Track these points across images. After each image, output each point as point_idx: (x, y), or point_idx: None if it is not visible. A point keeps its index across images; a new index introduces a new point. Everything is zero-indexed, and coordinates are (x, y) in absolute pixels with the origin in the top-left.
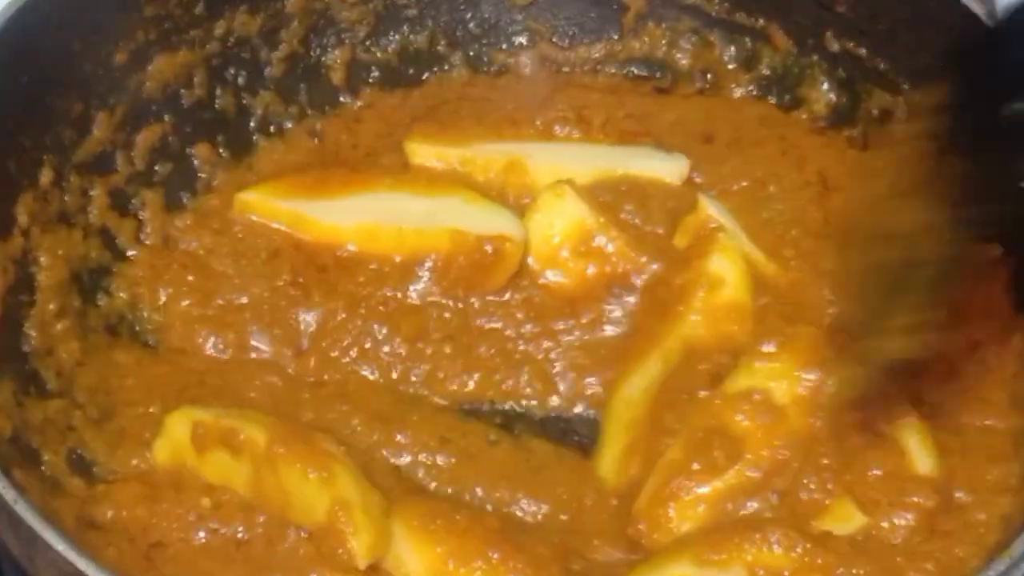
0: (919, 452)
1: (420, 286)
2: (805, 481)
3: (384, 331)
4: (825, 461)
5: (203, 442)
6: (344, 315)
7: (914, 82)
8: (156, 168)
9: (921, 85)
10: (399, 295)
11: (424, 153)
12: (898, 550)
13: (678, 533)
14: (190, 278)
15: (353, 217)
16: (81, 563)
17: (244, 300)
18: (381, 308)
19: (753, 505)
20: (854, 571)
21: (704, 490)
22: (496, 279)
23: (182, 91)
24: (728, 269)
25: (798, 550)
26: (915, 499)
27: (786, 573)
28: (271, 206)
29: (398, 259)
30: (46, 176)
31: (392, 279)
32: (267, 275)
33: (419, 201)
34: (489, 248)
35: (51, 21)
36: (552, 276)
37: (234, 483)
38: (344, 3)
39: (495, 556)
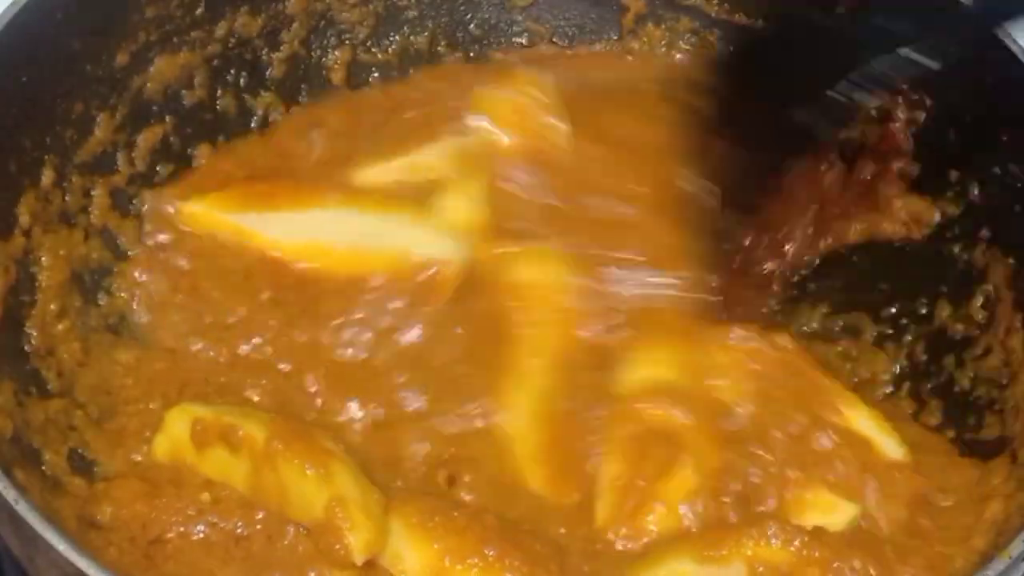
0: (882, 439)
1: (371, 308)
2: (758, 481)
3: (363, 356)
4: (770, 457)
5: (202, 439)
6: (328, 341)
7: (913, 83)
8: (157, 169)
9: (920, 85)
10: (369, 317)
11: (366, 174)
12: (889, 542)
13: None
14: (179, 298)
15: (296, 233)
16: (82, 563)
17: (232, 320)
18: (362, 338)
19: (722, 511)
20: (853, 564)
21: (661, 504)
22: (435, 300)
23: (183, 92)
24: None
25: (796, 543)
26: (898, 483)
27: (785, 568)
28: (215, 218)
29: (344, 278)
30: (47, 176)
31: (357, 302)
32: (249, 293)
33: (365, 219)
34: (426, 274)
35: (51, 21)
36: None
37: (233, 480)
38: (345, 4)
39: (492, 553)
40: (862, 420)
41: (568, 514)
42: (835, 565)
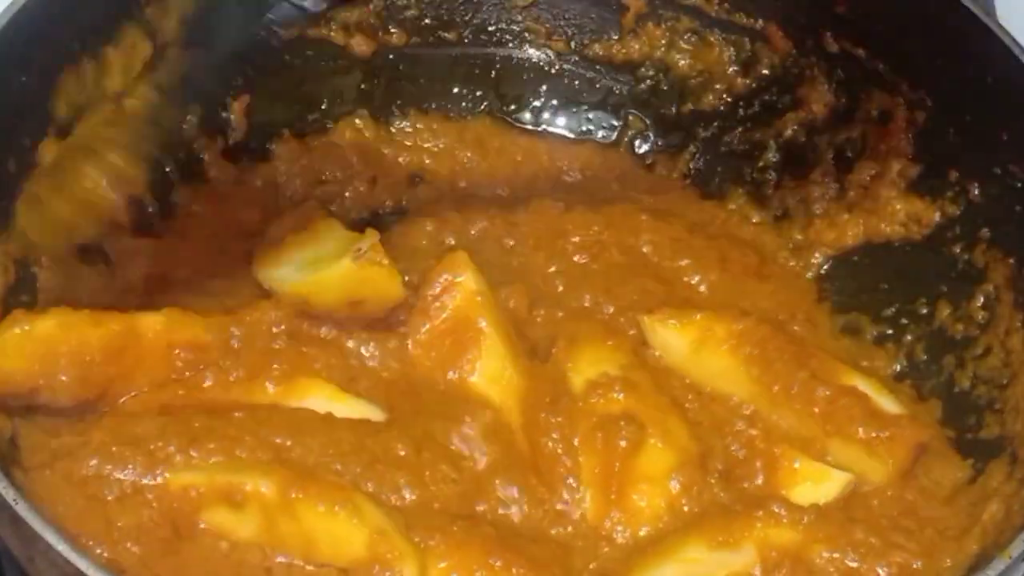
0: (880, 398)
1: None
2: (739, 456)
3: None
4: (754, 431)
5: (197, 504)
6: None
7: (913, 82)
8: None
9: (920, 85)
10: None
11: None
12: (885, 516)
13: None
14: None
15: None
16: (81, 563)
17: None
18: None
19: (710, 491)
20: (856, 536)
21: (645, 482)
22: None
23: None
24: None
25: (804, 520)
26: (903, 431)
27: (793, 548)
28: None
29: None
30: None
31: None
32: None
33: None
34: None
35: (51, 21)
36: None
37: (240, 534)
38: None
39: (497, 564)
40: (858, 380)
41: (562, 514)
42: (840, 540)
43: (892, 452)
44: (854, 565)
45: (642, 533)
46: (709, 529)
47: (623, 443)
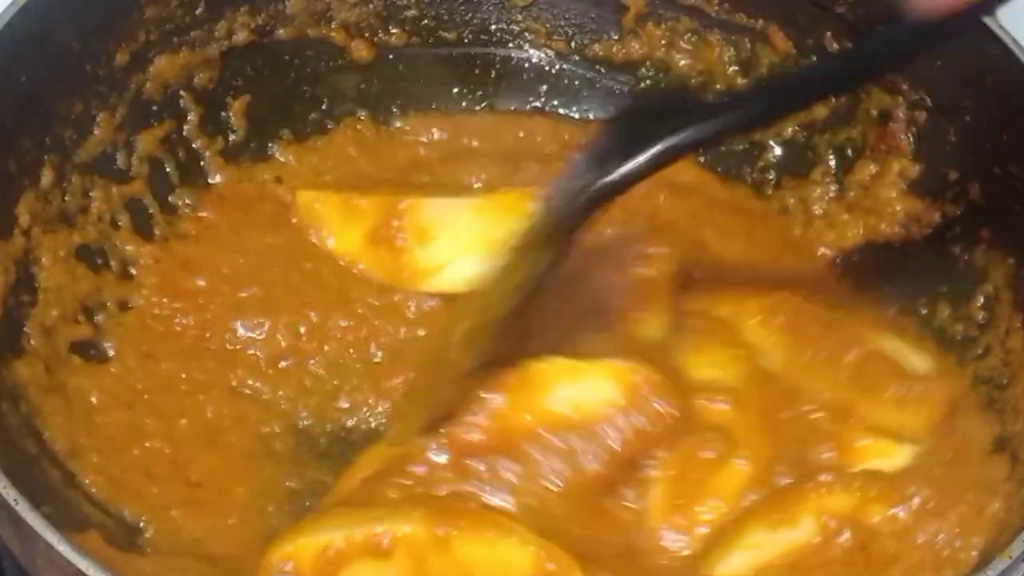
0: (906, 355)
1: None
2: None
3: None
4: (822, 413)
5: (336, 562)
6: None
7: (913, 82)
8: (167, 168)
9: (920, 85)
10: None
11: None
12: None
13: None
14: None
15: None
16: (82, 563)
17: None
18: None
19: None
20: (909, 491)
21: (716, 499)
22: None
23: (182, 92)
24: None
25: (856, 484)
26: (932, 386)
27: (848, 511)
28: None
29: None
30: (47, 176)
31: None
32: None
33: None
34: None
35: (51, 21)
36: None
37: None
38: (344, 4)
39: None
40: (886, 343)
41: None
42: (894, 498)
43: (925, 408)
44: (909, 521)
45: (698, 544)
46: (764, 511)
47: (710, 455)
